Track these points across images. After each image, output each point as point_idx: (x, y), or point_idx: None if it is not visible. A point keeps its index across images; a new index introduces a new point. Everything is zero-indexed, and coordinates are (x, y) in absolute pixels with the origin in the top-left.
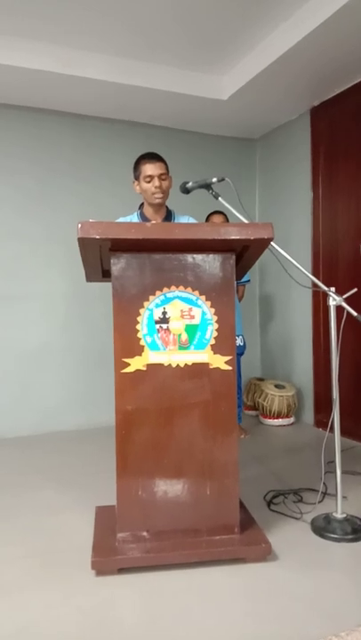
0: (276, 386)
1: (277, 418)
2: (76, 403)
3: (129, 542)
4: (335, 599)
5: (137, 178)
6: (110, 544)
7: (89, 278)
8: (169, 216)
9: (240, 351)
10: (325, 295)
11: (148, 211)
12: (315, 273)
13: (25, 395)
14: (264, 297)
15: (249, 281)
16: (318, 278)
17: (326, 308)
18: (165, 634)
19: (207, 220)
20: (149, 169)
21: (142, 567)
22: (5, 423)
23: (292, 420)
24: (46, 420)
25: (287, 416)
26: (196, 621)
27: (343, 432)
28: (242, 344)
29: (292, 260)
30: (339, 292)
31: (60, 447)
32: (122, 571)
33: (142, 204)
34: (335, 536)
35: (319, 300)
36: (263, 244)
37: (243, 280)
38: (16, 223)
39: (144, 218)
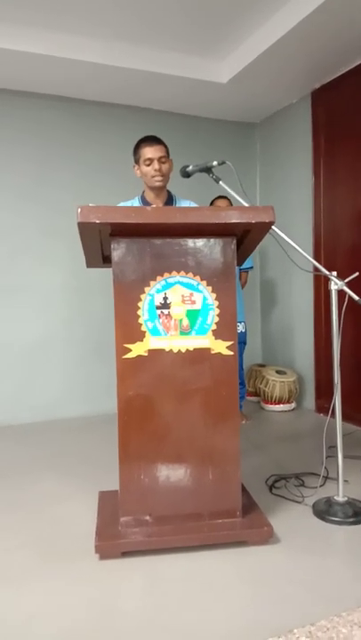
0: (278, 372)
1: (279, 404)
2: (78, 391)
3: (132, 526)
4: (337, 581)
5: (137, 161)
6: (113, 528)
7: (89, 264)
8: (170, 200)
9: (242, 339)
10: (326, 280)
11: (149, 195)
12: (316, 258)
13: (27, 384)
14: (265, 283)
15: (252, 267)
16: (320, 263)
17: (327, 293)
18: (168, 617)
19: (211, 204)
20: (149, 152)
21: (145, 551)
22: (8, 412)
23: (293, 405)
24: (48, 409)
25: (288, 402)
26: (198, 605)
27: (344, 417)
28: (244, 330)
29: (293, 243)
30: (340, 277)
31: (62, 435)
32: (125, 554)
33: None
34: (337, 519)
35: (320, 286)
36: (264, 227)
37: (245, 266)
38: (14, 213)
39: (145, 202)
